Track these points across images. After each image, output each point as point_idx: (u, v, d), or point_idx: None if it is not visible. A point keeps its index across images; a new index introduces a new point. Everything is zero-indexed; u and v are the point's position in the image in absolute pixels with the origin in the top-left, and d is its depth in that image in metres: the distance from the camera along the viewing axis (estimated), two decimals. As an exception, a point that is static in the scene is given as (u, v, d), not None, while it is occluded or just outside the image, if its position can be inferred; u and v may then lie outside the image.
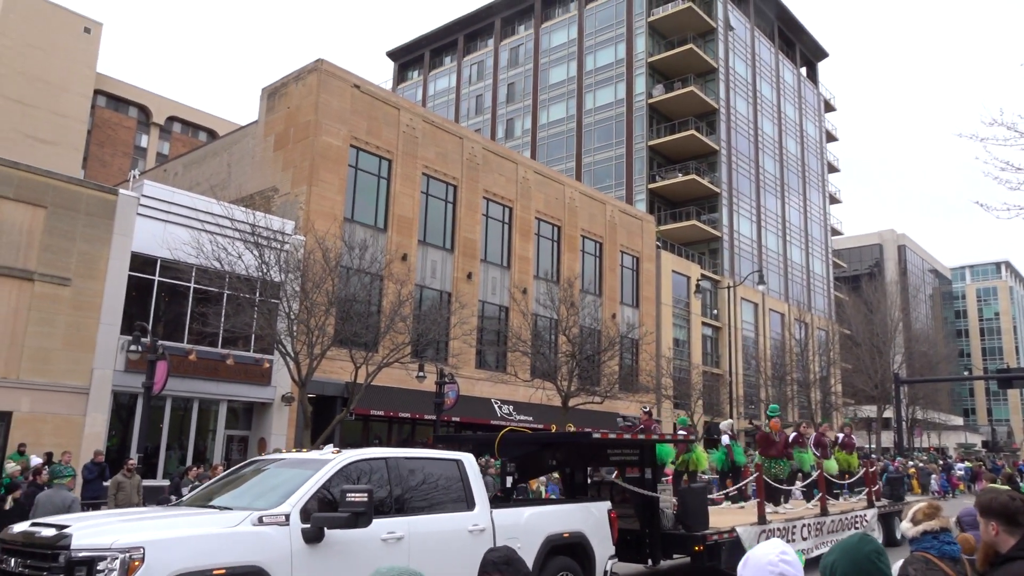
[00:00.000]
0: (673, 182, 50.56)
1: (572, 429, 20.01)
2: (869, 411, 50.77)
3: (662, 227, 48.90)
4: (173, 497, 12.65)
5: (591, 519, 8.71)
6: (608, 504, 9.19)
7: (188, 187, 26.71)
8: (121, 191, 21.10)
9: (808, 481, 14.90)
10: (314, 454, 7.15)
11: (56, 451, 16.70)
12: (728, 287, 43.76)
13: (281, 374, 22.13)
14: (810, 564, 11.18)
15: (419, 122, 29.13)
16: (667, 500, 10.43)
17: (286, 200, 25.35)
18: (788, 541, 11.42)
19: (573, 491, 10.39)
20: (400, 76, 70.79)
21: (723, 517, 12.23)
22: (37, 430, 18.19)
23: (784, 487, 14.66)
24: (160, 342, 17.78)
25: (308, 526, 5.98)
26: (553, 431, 19.41)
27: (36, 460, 15.63)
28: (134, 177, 26.26)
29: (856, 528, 14.19)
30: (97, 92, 68.32)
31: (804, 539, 12.29)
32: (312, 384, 19.86)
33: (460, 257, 29.71)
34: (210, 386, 21.60)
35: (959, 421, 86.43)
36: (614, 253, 37.61)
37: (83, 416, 19.07)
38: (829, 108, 72.60)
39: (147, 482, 16.30)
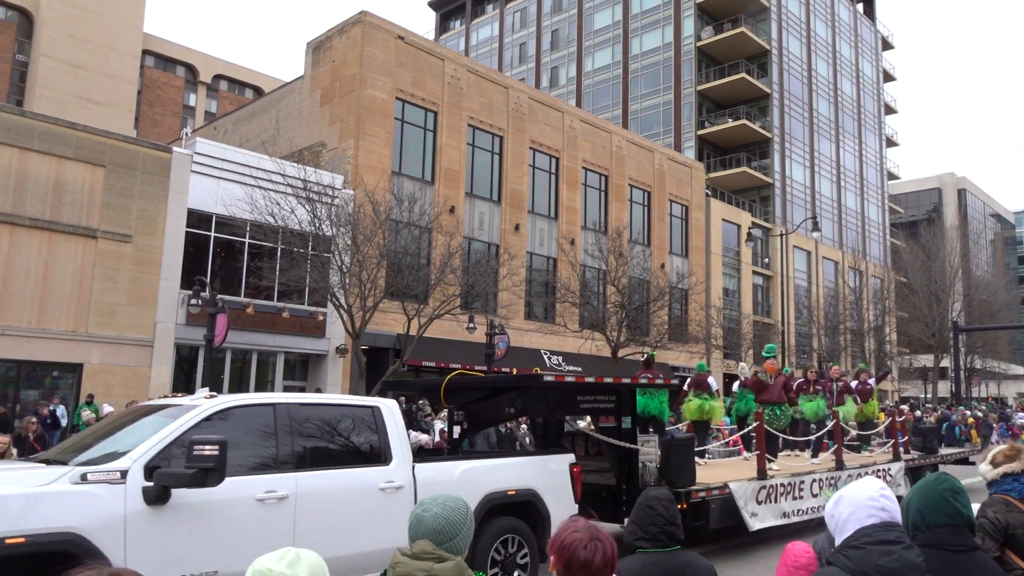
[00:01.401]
0: (723, 128, 49.35)
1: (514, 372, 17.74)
2: (925, 360, 49.74)
3: (712, 174, 47.95)
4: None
5: (546, 474, 7.63)
6: (570, 457, 8.09)
7: (238, 144, 27.04)
8: (175, 149, 21.47)
9: (822, 431, 13.47)
10: (185, 399, 6.17)
11: (123, 401, 17.42)
12: (780, 235, 42.87)
13: (335, 326, 22.58)
14: (818, 526, 10.61)
15: (464, 72, 28.84)
16: (649, 453, 9.40)
17: (334, 154, 25.51)
18: (794, 498, 10.72)
19: (546, 443, 9.17)
20: (442, 26, 69.98)
21: (715, 471, 11.19)
22: (107, 381, 18.96)
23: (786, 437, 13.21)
24: (219, 296, 18.25)
25: (151, 484, 5.05)
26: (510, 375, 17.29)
27: (108, 408, 16.31)
28: (186, 135, 26.67)
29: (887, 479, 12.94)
30: (145, 52, 69.11)
31: (815, 495, 11.14)
32: (365, 336, 20.21)
33: (507, 208, 29.64)
34: (267, 338, 22.16)
35: (1020, 370, 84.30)
36: (663, 202, 37.08)
37: (148, 368, 19.78)
38: (887, 46, 69.61)
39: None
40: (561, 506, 7.61)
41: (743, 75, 48.52)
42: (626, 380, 9.79)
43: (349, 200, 22.06)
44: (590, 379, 9.16)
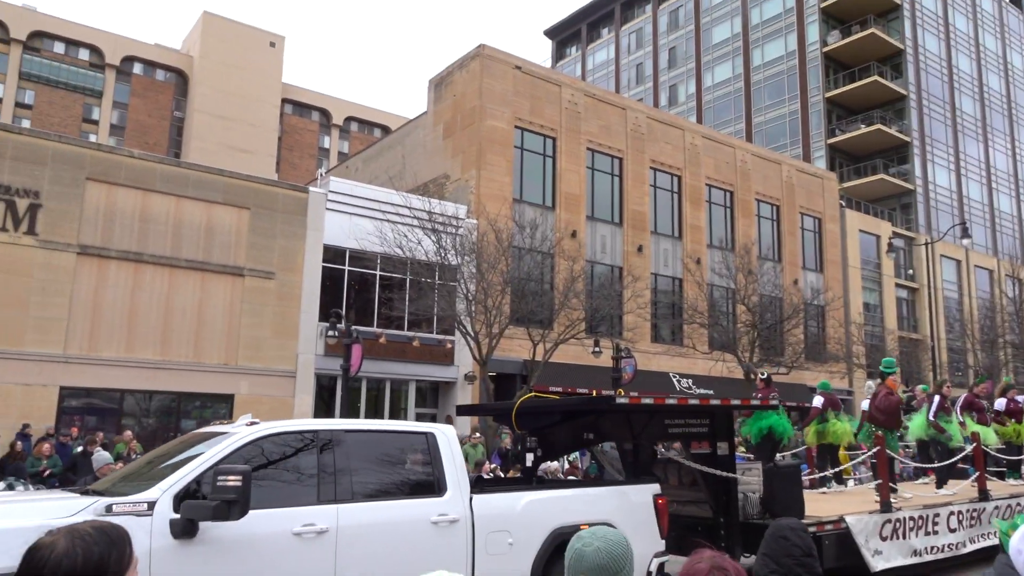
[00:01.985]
0: (855, 134, 46.94)
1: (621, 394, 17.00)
2: (1104, 375, 44.75)
3: (845, 184, 45.62)
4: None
5: (626, 506, 6.94)
6: (654, 487, 7.34)
7: (368, 180, 28.38)
8: (311, 189, 22.81)
9: (958, 456, 11.80)
10: (226, 427, 5.97)
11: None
12: (925, 244, 40.04)
13: (463, 354, 23.07)
14: (964, 562, 9.61)
15: (580, 97, 29.04)
16: (751, 483, 8.64)
17: (457, 185, 26.26)
18: (927, 533, 9.53)
19: (636, 471, 8.48)
20: (558, 53, 70.83)
21: (829, 503, 10.12)
22: (255, 410, 20.10)
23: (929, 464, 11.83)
24: (354, 327, 19.11)
25: (178, 517, 4.81)
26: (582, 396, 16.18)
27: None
28: (321, 175, 28.28)
29: None
30: (284, 101, 74.09)
31: (952, 530, 9.93)
32: (492, 363, 20.53)
33: (629, 230, 29.41)
34: (399, 367, 22.94)
35: None
36: (793, 215, 35.62)
37: (292, 397, 20.93)
38: (1040, 35, 64.16)
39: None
40: (643, 541, 6.81)
41: (875, 78, 46.07)
42: (715, 401, 8.95)
43: (473, 229, 22.62)
44: (672, 400, 8.49)
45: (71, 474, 11.82)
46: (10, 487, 10.39)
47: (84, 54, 65.93)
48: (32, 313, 17.86)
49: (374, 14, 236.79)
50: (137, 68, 68.18)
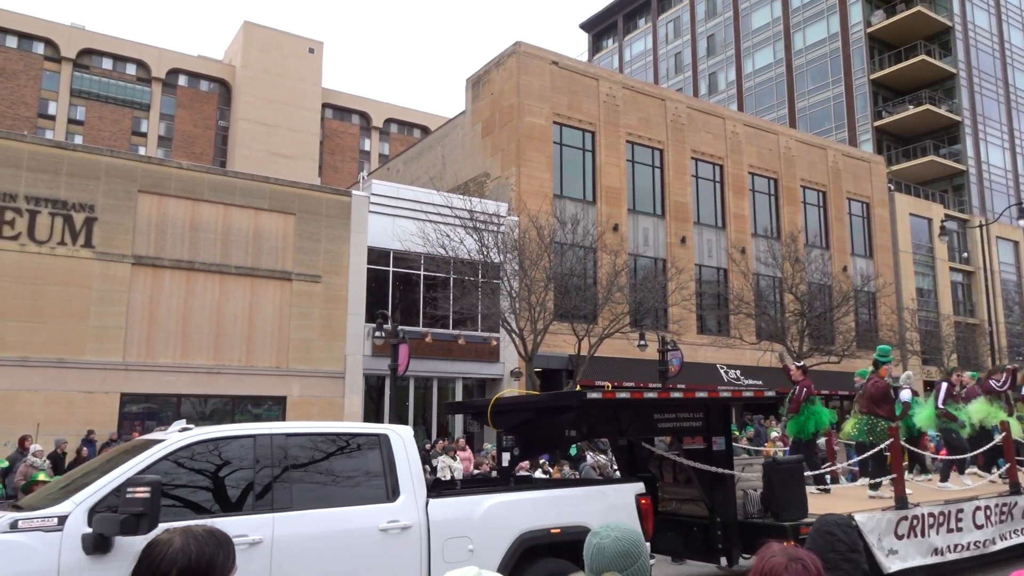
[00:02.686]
0: (903, 116, 45.74)
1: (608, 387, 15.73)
2: None
3: (894, 167, 44.51)
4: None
5: (605, 507, 6.44)
6: (638, 487, 6.84)
7: (409, 182, 28.66)
8: (354, 192, 23.13)
9: (987, 447, 11.00)
10: (157, 434, 5.70)
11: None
12: (980, 226, 38.90)
13: (508, 350, 23.18)
14: (995, 561, 9.02)
15: (619, 89, 28.88)
16: (751, 479, 8.14)
17: (498, 183, 26.36)
18: (950, 530, 8.89)
19: (631, 469, 8.16)
20: (595, 46, 70.44)
21: (840, 501, 9.50)
22: (307, 412, 20.63)
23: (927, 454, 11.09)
24: (400, 327, 19.36)
25: (91, 531, 4.48)
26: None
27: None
28: (363, 178, 28.65)
29: None
30: (324, 105, 75.13)
31: (978, 527, 9.20)
32: (538, 359, 20.60)
33: (672, 222, 29.17)
34: (445, 365, 23.15)
35: None
36: (840, 201, 34.91)
37: (341, 398, 21.29)
38: (1097, 4, 61.64)
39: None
40: None
41: (923, 57, 44.81)
42: (702, 394, 8.32)
43: (514, 226, 22.69)
44: (652, 394, 7.95)
45: (134, 477, 12.23)
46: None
47: (131, 69, 67.80)
48: (92, 323, 18.49)
49: (410, 16, 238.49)
50: (182, 80, 69.88)
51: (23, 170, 18.23)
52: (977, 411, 11.24)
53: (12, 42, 63.07)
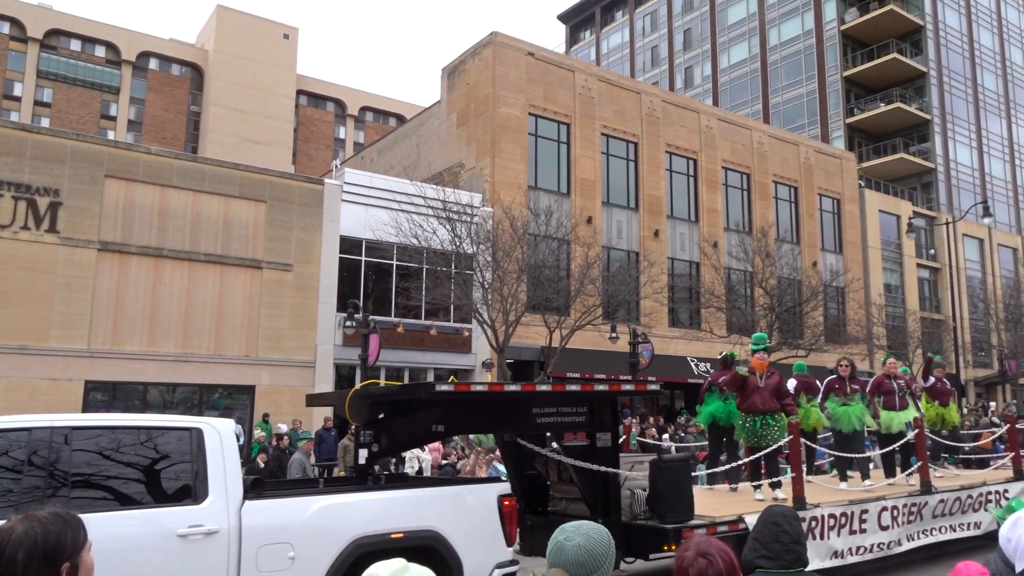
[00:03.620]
0: (874, 113, 46.34)
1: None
2: None
3: (864, 164, 45.10)
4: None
5: (459, 510, 5.94)
6: (501, 487, 6.33)
7: (383, 171, 28.46)
8: (326, 181, 22.93)
9: (898, 443, 10.36)
10: None
11: (290, 420, 18.72)
12: (946, 223, 39.58)
13: (480, 341, 23.18)
14: (900, 563, 8.74)
15: (594, 82, 28.89)
16: (638, 479, 7.61)
17: (472, 174, 26.28)
18: (852, 532, 8.40)
19: (519, 466, 7.82)
20: (572, 38, 70.40)
21: (730, 501, 9.05)
22: (276, 401, 20.47)
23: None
24: (371, 317, 19.26)
25: None
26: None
27: (283, 427, 17.61)
28: (336, 167, 28.42)
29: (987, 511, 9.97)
30: (299, 92, 74.25)
31: (883, 528, 8.75)
32: (509, 350, 20.62)
33: (645, 215, 29.31)
34: (417, 355, 23.09)
35: None
36: (811, 197, 35.31)
37: (312, 387, 21.15)
38: (1064, 7, 62.79)
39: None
40: (482, 550, 5.88)
41: (895, 55, 45.40)
42: (574, 387, 7.59)
43: (488, 218, 22.65)
44: (514, 387, 7.37)
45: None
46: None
47: (100, 51, 66.46)
48: (56, 309, 18.17)
49: (387, 3, 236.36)
50: (153, 63, 68.66)
51: (-15, 152, 17.81)
52: (853, 413, 10.36)
53: (-24, 21, 61.53)
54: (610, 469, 7.33)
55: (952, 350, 33.40)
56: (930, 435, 10.53)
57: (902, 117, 46.31)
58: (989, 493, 10.22)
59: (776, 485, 9.03)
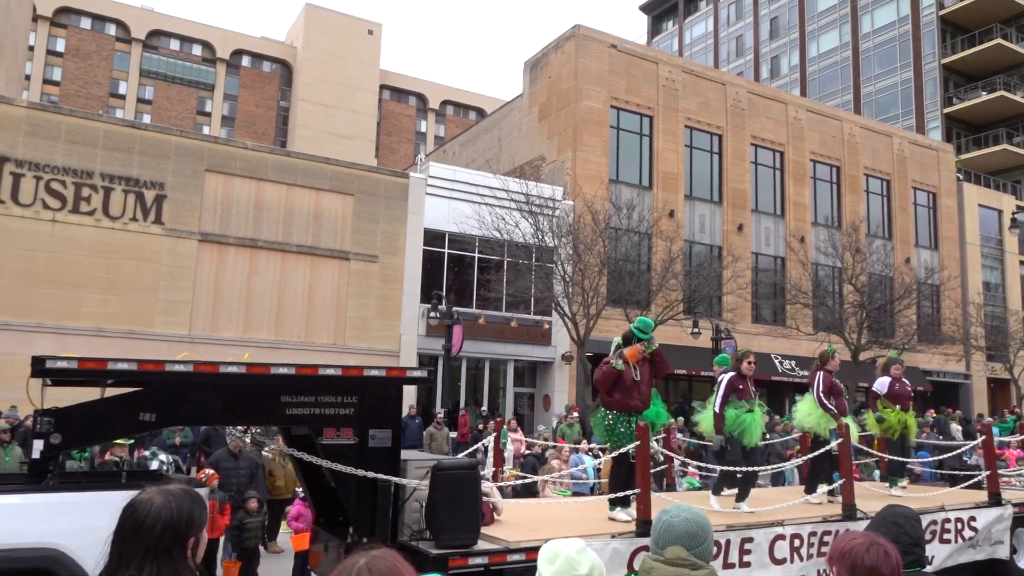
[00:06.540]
0: (975, 102, 44.07)
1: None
2: None
3: (963, 156, 42.99)
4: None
5: (93, 521, 3.84)
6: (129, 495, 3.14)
7: (466, 164, 28.88)
8: (411, 174, 23.44)
9: (818, 452, 8.61)
10: None
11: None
12: (1054, 218, 37.37)
13: (560, 334, 23.30)
14: None
15: (678, 73, 28.52)
16: (417, 486, 6.07)
17: (553, 167, 26.38)
18: (727, 565, 6.57)
19: (309, 474, 6.48)
20: (654, 28, 69.45)
21: (575, 519, 7.23)
22: (362, 388, 21.10)
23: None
24: (454, 308, 19.64)
25: None
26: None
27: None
28: (420, 160, 28.99)
29: (959, 541, 8.12)
30: (382, 87, 75.81)
31: (777, 562, 6.88)
32: (590, 343, 20.66)
33: (729, 209, 28.78)
34: (498, 347, 23.40)
35: None
36: (905, 190, 33.93)
37: (396, 376, 21.72)
38: None
39: (454, 434, 18.25)
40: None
41: (998, 41, 43.04)
42: (334, 371, 5.95)
43: (569, 211, 22.72)
44: (233, 368, 5.52)
45: (204, 446, 12.78)
46: (154, 455, 11.42)
47: (197, 50, 69.50)
48: (161, 296, 19.25)
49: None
50: (245, 61, 71.35)
51: (99, 148, 18.99)
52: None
53: (86, 23, 65.31)
54: (381, 476, 5.78)
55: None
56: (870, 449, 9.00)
57: (1005, 106, 43.92)
58: (947, 522, 8.09)
59: (623, 503, 7.04)
